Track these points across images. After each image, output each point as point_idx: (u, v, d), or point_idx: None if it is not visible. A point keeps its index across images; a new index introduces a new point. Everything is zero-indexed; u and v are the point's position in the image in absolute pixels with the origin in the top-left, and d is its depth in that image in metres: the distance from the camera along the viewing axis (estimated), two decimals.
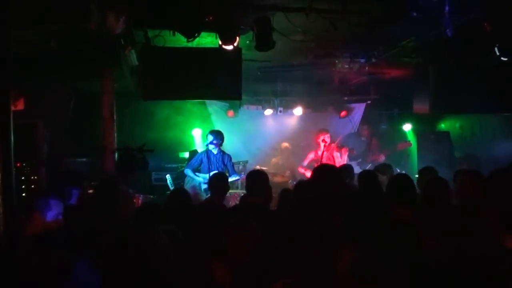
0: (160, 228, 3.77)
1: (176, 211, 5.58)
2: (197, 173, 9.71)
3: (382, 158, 11.14)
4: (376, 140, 12.05)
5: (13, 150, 4.24)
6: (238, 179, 10.07)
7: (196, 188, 9.51)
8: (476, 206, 4.03)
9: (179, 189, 7.80)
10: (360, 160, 11.48)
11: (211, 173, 8.87)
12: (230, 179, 9.33)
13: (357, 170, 10.83)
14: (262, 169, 9.60)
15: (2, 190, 3.97)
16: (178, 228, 3.85)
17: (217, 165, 9.61)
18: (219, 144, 9.71)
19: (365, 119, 12.86)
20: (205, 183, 9.35)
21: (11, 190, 4.08)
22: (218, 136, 9.69)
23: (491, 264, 2.70)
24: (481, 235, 3.26)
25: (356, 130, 12.32)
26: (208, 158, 9.57)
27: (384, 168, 8.04)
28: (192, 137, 12.44)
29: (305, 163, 10.81)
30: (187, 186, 9.61)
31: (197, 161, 9.80)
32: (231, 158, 9.91)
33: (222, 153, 9.79)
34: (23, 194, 7.88)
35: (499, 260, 2.72)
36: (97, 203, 5.44)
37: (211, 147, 9.59)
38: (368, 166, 10.95)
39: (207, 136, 9.71)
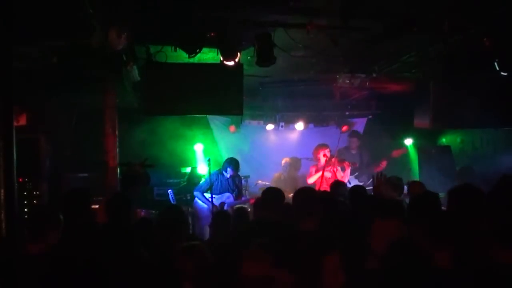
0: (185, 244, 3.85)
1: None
2: (205, 195, 9.90)
3: (384, 165, 11.11)
4: (367, 151, 11.95)
5: (15, 165, 4.26)
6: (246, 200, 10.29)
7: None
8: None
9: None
10: (356, 173, 11.44)
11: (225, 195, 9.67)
12: (239, 202, 9.77)
13: (355, 183, 10.85)
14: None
15: (4, 205, 3.98)
16: None
17: (230, 187, 9.87)
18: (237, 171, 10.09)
19: (354, 132, 12.69)
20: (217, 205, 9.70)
21: (14, 206, 4.09)
22: (237, 166, 10.00)
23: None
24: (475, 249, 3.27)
25: (347, 144, 12.19)
26: (221, 181, 9.89)
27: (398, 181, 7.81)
28: (194, 152, 12.44)
29: (311, 176, 10.78)
30: (196, 206, 9.78)
31: (208, 185, 9.93)
32: (241, 180, 10.35)
33: (238, 176, 10.10)
34: (25, 209, 7.90)
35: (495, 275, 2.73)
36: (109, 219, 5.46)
37: (227, 174, 9.87)
38: (370, 181, 10.93)
39: (227, 167, 9.86)
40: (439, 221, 3.75)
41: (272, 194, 5.89)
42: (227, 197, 9.60)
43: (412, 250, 3.72)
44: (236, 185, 9.99)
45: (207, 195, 9.76)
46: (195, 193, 10.10)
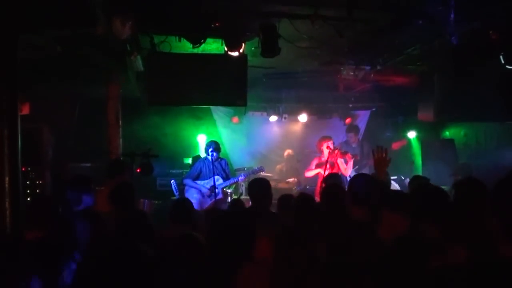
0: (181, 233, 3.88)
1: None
2: (197, 181, 9.83)
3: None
4: (367, 144, 11.91)
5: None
6: (238, 181, 10.26)
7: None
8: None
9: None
10: (357, 167, 11.42)
11: (215, 177, 9.36)
12: (229, 182, 9.69)
13: None
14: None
15: (9, 193, 3.99)
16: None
17: (218, 170, 9.73)
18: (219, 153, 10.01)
19: (351, 126, 12.61)
20: (208, 188, 9.57)
21: (18, 194, 4.10)
22: (219, 147, 9.93)
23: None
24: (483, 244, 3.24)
25: (346, 139, 12.12)
26: (209, 165, 9.76)
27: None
28: (197, 143, 12.44)
29: (311, 168, 10.77)
30: (187, 194, 9.73)
31: (196, 171, 9.99)
32: (227, 162, 10.27)
33: (220, 159, 9.95)
34: (28, 199, 7.90)
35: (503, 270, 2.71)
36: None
37: (212, 157, 9.73)
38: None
39: (210, 148, 9.74)
40: (452, 217, 3.74)
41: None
42: (217, 180, 9.56)
43: (421, 246, 3.72)
44: (222, 168, 9.96)
45: (202, 182, 9.80)
46: (185, 181, 10.02)
